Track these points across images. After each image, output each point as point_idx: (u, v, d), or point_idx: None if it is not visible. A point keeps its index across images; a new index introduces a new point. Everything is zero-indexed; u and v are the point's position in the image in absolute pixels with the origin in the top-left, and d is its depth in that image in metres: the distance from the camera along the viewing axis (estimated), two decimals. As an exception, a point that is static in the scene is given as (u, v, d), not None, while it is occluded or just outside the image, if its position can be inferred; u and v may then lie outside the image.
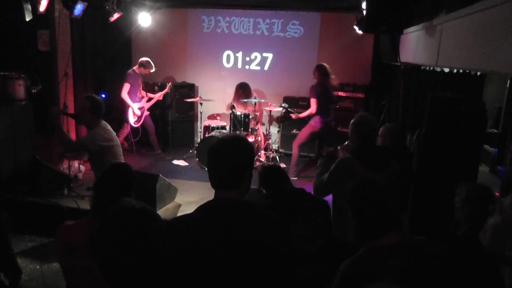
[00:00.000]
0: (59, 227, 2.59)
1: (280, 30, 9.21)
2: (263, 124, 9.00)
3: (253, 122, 8.19)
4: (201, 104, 8.63)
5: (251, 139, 7.89)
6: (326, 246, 2.93)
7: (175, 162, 8.44)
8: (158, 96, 8.42)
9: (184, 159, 8.52)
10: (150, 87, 8.84)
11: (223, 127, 8.47)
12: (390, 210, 2.07)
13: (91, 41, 8.15)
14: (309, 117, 7.39)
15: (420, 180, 3.98)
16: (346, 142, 3.98)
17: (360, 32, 7.41)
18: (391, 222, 2.06)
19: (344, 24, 8.55)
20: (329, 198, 3.56)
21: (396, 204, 2.11)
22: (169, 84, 8.58)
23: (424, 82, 5.41)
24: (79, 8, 6.49)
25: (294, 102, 8.64)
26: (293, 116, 7.69)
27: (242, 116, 8.04)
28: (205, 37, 9.55)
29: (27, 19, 5.95)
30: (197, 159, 8.03)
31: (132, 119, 8.02)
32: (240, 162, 1.95)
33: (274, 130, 9.21)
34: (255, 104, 8.22)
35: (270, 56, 9.38)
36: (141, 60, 8.06)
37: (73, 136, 7.83)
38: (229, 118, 8.28)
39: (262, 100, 8.48)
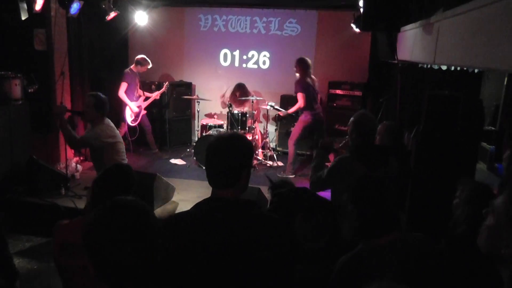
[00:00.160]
0: (54, 226, 2.59)
1: (277, 28, 9.20)
2: (261, 122, 9.00)
3: (250, 121, 8.19)
4: (198, 102, 8.62)
5: (248, 137, 7.87)
6: (331, 245, 2.92)
7: (173, 161, 8.43)
8: (155, 95, 8.41)
9: (182, 158, 8.51)
10: (147, 86, 8.82)
11: (221, 126, 8.46)
12: (391, 209, 2.06)
13: (87, 40, 8.12)
14: (297, 113, 7.50)
15: (417, 178, 3.97)
16: (345, 140, 3.97)
17: (357, 30, 7.41)
18: (392, 222, 2.05)
19: (341, 22, 8.54)
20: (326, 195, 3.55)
21: (396, 202, 2.10)
22: (166, 83, 8.57)
23: (421, 80, 5.41)
24: (75, 7, 6.48)
25: (292, 101, 8.61)
26: (280, 113, 7.75)
27: (240, 114, 8.03)
28: (202, 36, 9.53)
29: (23, 18, 5.93)
30: (194, 158, 8.02)
31: (129, 118, 8.01)
32: (238, 161, 1.95)
33: (271, 128, 9.20)
34: (252, 102, 8.22)
35: (267, 54, 9.37)
36: (137, 58, 8.03)
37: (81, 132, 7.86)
38: (226, 116, 8.27)
39: (260, 98, 8.47)
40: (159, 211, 5.70)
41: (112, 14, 7.24)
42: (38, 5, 6.08)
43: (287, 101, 8.56)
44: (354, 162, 3.32)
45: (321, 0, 8.30)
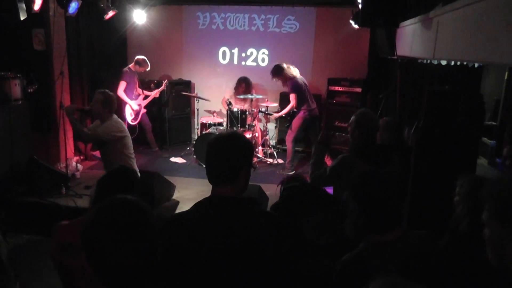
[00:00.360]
0: (54, 226, 2.58)
1: (276, 25, 9.19)
2: (260, 121, 8.99)
3: (250, 118, 8.19)
4: (197, 101, 8.61)
5: (248, 135, 7.87)
6: (336, 242, 2.92)
7: (173, 159, 8.43)
8: (155, 93, 8.41)
9: (182, 156, 8.51)
10: (146, 85, 8.82)
11: (220, 124, 8.46)
12: (393, 205, 2.05)
13: (86, 39, 8.12)
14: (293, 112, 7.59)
15: (418, 174, 3.97)
16: (344, 136, 3.96)
17: (356, 26, 7.41)
18: (395, 218, 2.04)
19: (339, 19, 8.54)
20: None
21: (399, 199, 2.08)
22: (165, 81, 8.57)
23: (421, 76, 5.40)
24: (73, 6, 6.46)
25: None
26: (272, 117, 7.83)
27: (239, 112, 8.03)
28: (201, 34, 9.52)
29: (22, 18, 5.91)
30: (194, 156, 8.02)
31: (129, 117, 8.00)
32: (237, 158, 1.95)
33: (271, 126, 9.20)
34: (252, 100, 8.22)
35: (266, 52, 9.36)
36: (137, 58, 8.03)
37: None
38: (225, 114, 8.27)
39: (259, 96, 8.46)
40: (159, 209, 5.70)
41: (111, 13, 7.22)
42: (37, 5, 6.06)
43: (286, 98, 8.55)
44: (356, 161, 3.31)
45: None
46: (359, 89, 8.41)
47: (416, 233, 2.11)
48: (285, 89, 8.58)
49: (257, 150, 8.24)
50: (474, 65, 4.07)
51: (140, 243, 1.44)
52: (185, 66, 9.72)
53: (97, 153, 7.80)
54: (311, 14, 9.01)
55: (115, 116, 4.87)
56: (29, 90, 6.57)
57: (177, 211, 5.64)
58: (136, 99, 8.12)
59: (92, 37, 8.35)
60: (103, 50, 8.64)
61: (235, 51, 9.50)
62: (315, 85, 8.86)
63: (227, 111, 8.13)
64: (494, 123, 6.60)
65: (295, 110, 7.53)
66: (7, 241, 4.44)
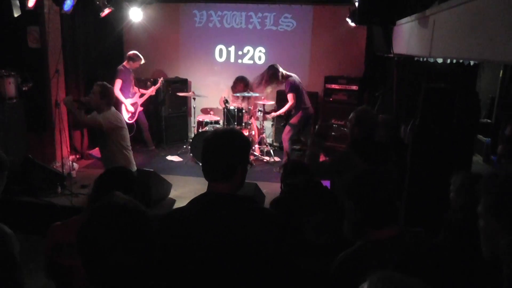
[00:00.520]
0: (49, 227, 2.58)
1: (273, 23, 9.18)
2: (257, 119, 8.99)
3: (246, 116, 8.17)
4: (194, 99, 8.60)
5: (245, 133, 7.86)
6: (339, 238, 2.91)
7: (169, 157, 8.42)
8: (151, 91, 8.37)
9: (178, 155, 8.50)
10: (142, 83, 8.79)
11: (217, 122, 8.45)
12: (391, 202, 2.05)
13: (82, 37, 8.08)
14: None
15: (414, 171, 3.97)
16: (342, 130, 3.94)
17: (352, 24, 7.41)
18: (391, 214, 2.04)
19: (336, 17, 8.53)
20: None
21: (394, 195, 2.08)
22: (161, 78, 8.54)
23: (417, 74, 5.40)
24: (68, 4, 6.41)
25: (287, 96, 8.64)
26: (269, 116, 7.82)
27: (236, 110, 8.02)
28: (197, 32, 9.50)
29: (16, 15, 5.87)
30: (191, 154, 8.01)
31: (126, 115, 7.95)
32: (234, 154, 1.94)
33: (268, 124, 9.19)
34: (249, 98, 8.21)
35: (262, 50, 9.34)
36: (129, 54, 7.97)
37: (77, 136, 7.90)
38: (222, 112, 8.26)
39: (256, 94, 8.45)
40: (156, 208, 5.69)
41: (107, 11, 7.19)
42: (31, 2, 6.01)
43: (283, 97, 8.54)
44: (354, 157, 3.31)
45: (316, -6, 8.29)
46: (356, 87, 8.42)
47: (413, 231, 2.11)
48: (281, 88, 8.58)
49: (253, 148, 8.23)
50: (470, 63, 4.07)
51: (136, 244, 1.43)
52: (182, 64, 9.70)
53: (93, 152, 7.79)
54: (308, 12, 9.00)
55: (113, 108, 4.94)
56: (24, 89, 6.54)
57: (174, 209, 5.63)
58: (132, 97, 8.08)
59: (88, 35, 8.31)
60: (99, 48, 8.60)
61: (232, 49, 9.48)
62: (312, 83, 8.86)
63: (224, 109, 8.12)
64: (489, 121, 6.62)
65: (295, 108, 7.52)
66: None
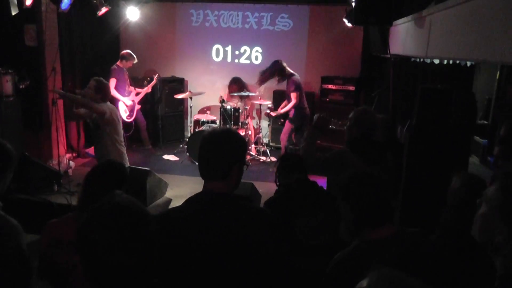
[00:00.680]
0: (45, 224, 2.57)
1: (269, 23, 9.19)
2: (254, 118, 8.99)
3: (243, 116, 8.18)
4: (190, 98, 8.59)
5: (241, 133, 7.87)
6: (334, 240, 2.92)
7: (166, 157, 8.41)
8: (147, 88, 8.34)
9: (175, 154, 8.50)
10: (140, 82, 8.79)
11: (213, 121, 8.44)
12: (386, 201, 2.05)
13: (79, 35, 8.07)
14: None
15: (411, 171, 3.98)
16: (341, 123, 3.91)
17: (349, 24, 7.43)
18: (387, 214, 2.05)
19: (333, 17, 8.55)
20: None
21: (390, 196, 2.09)
22: (156, 75, 8.49)
23: (414, 74, 5.42)
24: (66, 2, 6.40)
25: (284, 96, 8.63)
26: (272, 114, 7.79)
27: (232, 110, 8.02)
28: (194, 31, 9.49)
29: (13, 13, 5.86)
30: (187, 153, 8.00)
31: (124, 114, 7.93)
32: (230, 152, 1.94)
33: (264, 124, 9.20)
34: (245, 98, 8.21)
35: (259, 49, 9.35)
36: (122, 53, 7.96)
37: (74, 134, 7.86)
38: (219, 112, 8.26)
39: (253, 94, 8.45)
40: (152, 207, 5.69)
41: (104, 10, 7.18)
42: (29, 0, 6.01)
43: (279, 96, 8.56)
44: (351, 157, 3.31)
45: (313, -6, 8.30)
46: (352, 87, 8.42)
47: (409, 231, 2.11)
48: (278, 87, 8.58)
49: (250, 148, 8.24)
50: (466, 64, 4.09)
51: (137, 244, 1.42)
52: (178, 64, 9.69)
53: (90, 150, 7.77)
54: (305, 12, 9.01)
55: (109, 103, 5.04)
56: (21, 86, 6.53)
57: (170, 208, 5.64)
58: (128, 95, 8.07)
59: (85, 33, 8.30)
60: (96, 47, 8.59)
61: (229, 48, 9.48)
62: (308, 83, 8.86)
63: (220, 108, 8.12)
64: (486, 122, 6.64)
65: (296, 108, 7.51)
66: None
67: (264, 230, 1.93)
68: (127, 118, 8.02)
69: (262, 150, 8.46)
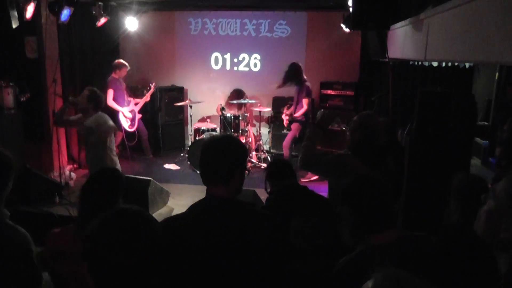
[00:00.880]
0: (46, 235, 2.57)
1: (267, 30, 9.22)
2: (254, 125, 9.00)
3: (243, 123, 8.19)
4: (190, 107, 8.60)
5: (242, 140, 7.87)
6: (329, 243, 2.92)
7: (167, 166, 8.41)
8: (145, 97, 8.32)
9: (176, 163, 8.49)
10: (139, 91, 8.80)
11: (214, 129, 8.45)
12: (389, 206, 2.05)
13: (78, 46, 8.10)
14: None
15: (412, 175, 3.98)
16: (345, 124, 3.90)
17: (347, 30, 7.43)
18: (390, 218, 2.05)
19: (331, 23, 8.56)
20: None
21: (393, 201, 2.09)
22: (153, 83, 8.46)
23: (413, 77, 5.43)
24: (65, 14, 6.44)
25: (283, 102, 8.65)
26: (294, 115, 7.64)
27: (232, 117, 8.03)
28: (193, 39, 9.53)
29: (14, 26, 5.90)
30: (188, 162, 8.00)
31: (125, 124, 7.92)
32: (231, 156, 1.96)
33: (264, 130, 9.20)
34: (245, 105, 8.22)
35: (258, 56, 9.38)
36: (114, 63, 7.89)
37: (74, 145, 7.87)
38: (219, 120, 8.27)
39: (252, 101, 8.46)
40: (154, 216, 5.68)
41: (103, 20, 7.22)
42: (29, 13, 6.04)
43: (279, 103, 8.58)
44: (353, 160, 3.30)
45: (310, 1, 8.31)
46: (351, 92, 8.44)
47: (413, 235, 2.11)
48: (278, 94, 8.59)
49: (251, 155, 8.24)
50: (465, 66, 4.10)
51: (145, 253, 1.43)
52: (178, 72, 9.71)
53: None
54: (303, 19, 9.04)
55: (101, 112, 4.97)
56: (22, 99, 6.54)
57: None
58: (128, 105, 8.06)
59: (85, 44, 8.33)
60: (96, 57, 8.62)
61: (227, 56, 9.51)
62: (307, 89, 8.86)
63: (220, 116, 8.12)
64: (486, 123, 6.64)
65: (294, 114, 7.49)
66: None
67: (268, 233, 1.94)
68: (129, 128, 8.01)
69: (263, 157, 8.46)
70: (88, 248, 1.42)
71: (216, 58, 9.54)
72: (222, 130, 8.10)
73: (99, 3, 7.23)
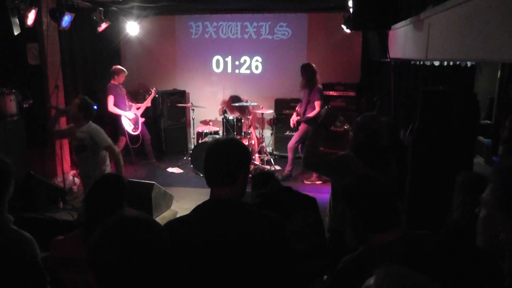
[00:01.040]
0: (50, 241, 2.58)
1: (268, 32, 9.23)
2: (256, 128, 9.00)
3: (245, 126, 8.19)
4: (193, 110, 8.61)
5: (244, 142, 7.87)
6: (318, 243, 2.92)
7: (170, 169, 8.42)
8: (146, 102, 8.33)
9: (179, 166, 8.50)
10: (141, 96, 8.81)
11: (216, 133, 8.46)
12: (392, 205, 2.05)
13: (80, 52, 8.11)
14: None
15: (415, 174, 3.97)
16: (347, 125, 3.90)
17: (348, 30, 7.43)
18: (393, 218, 2.04)
19: (331, 24, 8.58)
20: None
21: (396, 200, 2.09)
22: (154, 88, 8.48)
23: (414, 77, 5.42)
24: (66, 20, 6.47)
25: (285, 104, 8.66)
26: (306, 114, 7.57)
27: (235, 120, 8.03)
28: (194, 43, 9.54)
29: (16, 33, 5.92)
30: (191, 165, 8.01)
31: (129, 128, 7.93)
32: (235, 158, 1.99)
33: (267, 133, 9.20)
34: (248, 109, 8.22)
35: (259, 59, 9.38)
36: (111, 70, 7.92)
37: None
38: (221, 123, 8.28)
39: (254, 104, 8.48)
40: (158, 220, 5.69)
41: (104, 25, 7.24)
42: (30, 20, 6.07)
43: (281, 105, 8.58)
44: (356, 161, 3.30)
45: (311, 2, 8.31)
46: (353, 93, 8.44)
47: (417, 234, 2.10)
48: (280, 96, 8.59)
49: (254, 157, 8.24)
50: (466, 64, 4.09)
51: (151, 259, 1.43)
52: (179, 76, 9.73)
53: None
54: (303, 20, 9.05)
55: (93, 124, 4.90)
56: (24, 106, 6.56)
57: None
58: (130, 110, 8.07)
59: (86, 49, 8.35)
60: (97, 63, 8.64)
61: (229, 59, 9.52)
62: (309, 90, 8.85)
63: (223, 119, 8.13)
64: (489, 122, 6.63)
65: (299, 116, 7.49)
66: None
67: (273, 234, 1.95)
68: (133, 131, 8.02)
69: (266, 159, 8.46)
70: (93, 257, 1.43)
71: (218, 61, 9.56)
72: (224, 133, 8.10)
73: (100, 8, 7.25)
